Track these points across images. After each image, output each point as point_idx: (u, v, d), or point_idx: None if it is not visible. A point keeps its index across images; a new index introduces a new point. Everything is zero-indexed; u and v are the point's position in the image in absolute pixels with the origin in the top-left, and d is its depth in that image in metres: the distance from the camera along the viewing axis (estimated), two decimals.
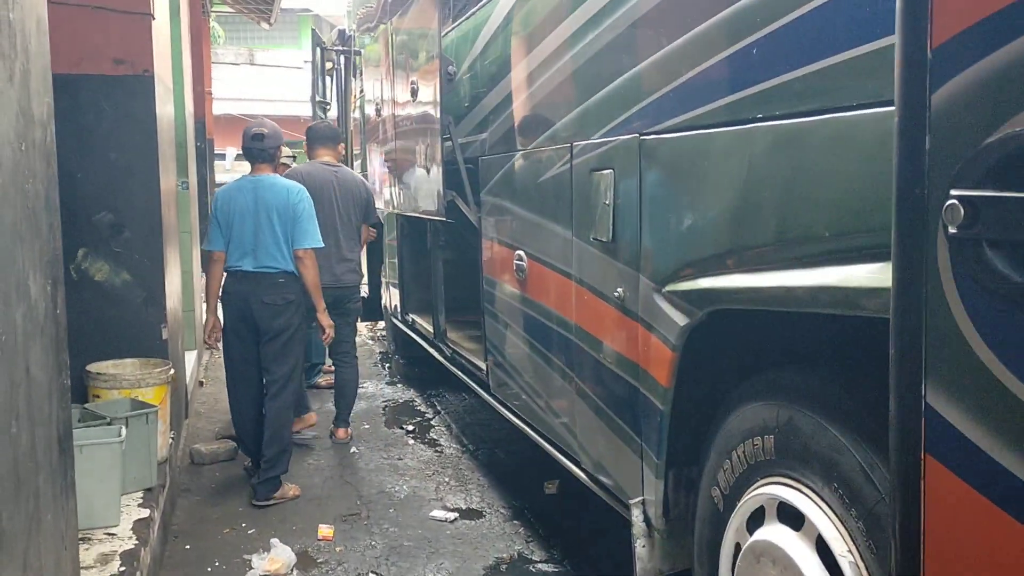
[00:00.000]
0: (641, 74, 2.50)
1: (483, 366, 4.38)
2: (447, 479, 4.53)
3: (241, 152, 4.74)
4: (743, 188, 2.02)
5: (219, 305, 4.44)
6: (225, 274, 4.36)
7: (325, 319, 4.52)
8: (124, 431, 3.25)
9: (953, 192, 0.88)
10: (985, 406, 0.93)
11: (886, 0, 1.57)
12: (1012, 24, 0.83)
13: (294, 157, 6.37)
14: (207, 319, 4.51)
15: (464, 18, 4.49)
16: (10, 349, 1.52)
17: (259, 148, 4.39)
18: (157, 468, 3.64)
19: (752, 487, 2.12)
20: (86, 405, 3.61)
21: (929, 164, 0.87)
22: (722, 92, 2.09)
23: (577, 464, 3.22)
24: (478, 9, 4.20)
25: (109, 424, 3.34)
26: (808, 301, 1.82)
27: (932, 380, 0.91)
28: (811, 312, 1.84)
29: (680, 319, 2.32)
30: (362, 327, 9.25)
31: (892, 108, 1.55)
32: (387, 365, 7.43)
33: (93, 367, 3.81)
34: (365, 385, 6.69)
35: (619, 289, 2.69)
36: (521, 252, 3.62)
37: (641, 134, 2.51)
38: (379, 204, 6.10)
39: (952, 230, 0.89)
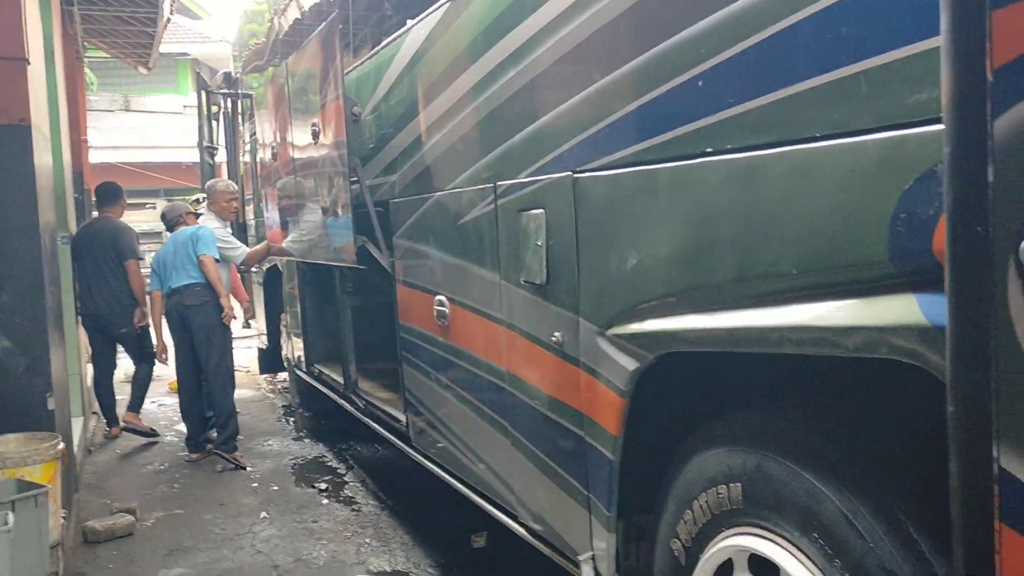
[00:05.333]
0: (571, 110, 2.41)
1: (402, 418, 4.18)
2: (368, 539, 4.28)
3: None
4: (695, 225, 1.93)
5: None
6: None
7: (227, 302, 5.88)
8: (11, 517, 2.90)
9: None
10: None
11: (850, 27, 1.51)
12: None
13: (199, 200, 7.17)
14: (156, 343, 6.38)
15: (368, 56, 4.34)
16: None
17: (168, 222, 6.40)
18: (49, 554, 3.28)
19: (718, 538, 2.02)
20: None
21: (994, 199, 0.77)
22: (666, 127, 2.00)
23: (514, 518, 3.06)
24: (383, 47, 4.06)
25: None
26: (775, 341, 1.74)
27: (1006, 440, 0.81)
28: (773, 352, 1.76)
29: (629, 364, 2.21)
30: (261, 380, 8.87)
31: (859, 139, 1.52)
32: (291, 419, 7.09)
33: None
34: (270, 442, 6.35)
35: (556, 334, 2.56)
36: (442, 297, 3.46)
37: (574, 172, 2.41)
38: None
39: None
